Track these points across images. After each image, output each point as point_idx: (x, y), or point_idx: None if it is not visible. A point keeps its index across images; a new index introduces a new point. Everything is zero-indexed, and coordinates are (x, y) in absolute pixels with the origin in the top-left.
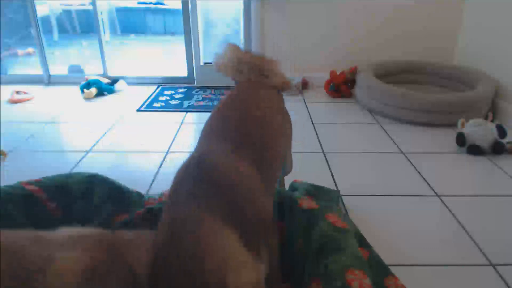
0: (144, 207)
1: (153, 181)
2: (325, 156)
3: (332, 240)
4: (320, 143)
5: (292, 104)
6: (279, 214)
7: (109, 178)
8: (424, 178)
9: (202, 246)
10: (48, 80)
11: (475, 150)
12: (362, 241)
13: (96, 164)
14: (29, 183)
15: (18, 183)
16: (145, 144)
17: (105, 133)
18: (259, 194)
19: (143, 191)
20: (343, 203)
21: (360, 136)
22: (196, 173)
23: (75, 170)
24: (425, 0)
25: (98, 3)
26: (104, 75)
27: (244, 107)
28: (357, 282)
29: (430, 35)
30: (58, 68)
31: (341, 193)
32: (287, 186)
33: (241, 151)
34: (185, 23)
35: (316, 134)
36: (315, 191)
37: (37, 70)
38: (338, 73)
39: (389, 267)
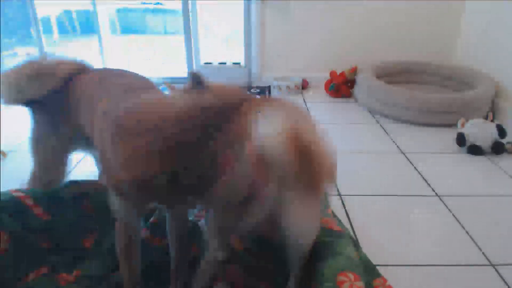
0: None
1: None
2: None
3: (326, 246)
4: None
5: None
6: None
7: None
8: (424, 178)
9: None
10: None
11: (475, 150)
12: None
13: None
14: (17, 190)
15: (7, 191)
16: None
17: None
18: None
19: None
20: (342, 202)
21: (360, 136)
22: None
23: (75, 171)
24: (425, 0)
25: (98, 3)
26: None
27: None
28: (347, 283)
29: (430, 35)
30: None
31: (341, 193)
32: None
33: None
34: (185, 23)
35: None
36: None
37: None
38: (338, 73)
39: (389, 267)
